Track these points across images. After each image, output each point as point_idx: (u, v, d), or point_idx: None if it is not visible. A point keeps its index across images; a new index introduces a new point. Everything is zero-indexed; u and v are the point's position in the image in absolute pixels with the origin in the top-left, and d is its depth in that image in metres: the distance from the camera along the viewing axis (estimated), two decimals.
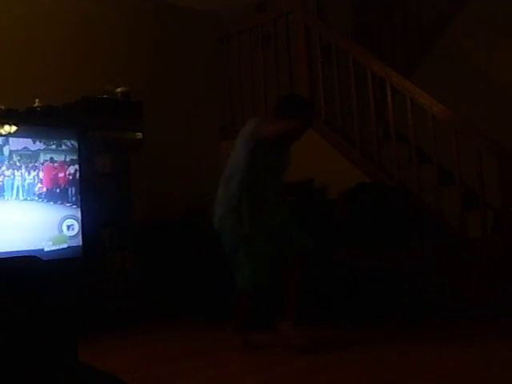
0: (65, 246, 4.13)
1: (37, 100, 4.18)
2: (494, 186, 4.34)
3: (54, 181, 4.12)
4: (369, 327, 4.08)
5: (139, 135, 4.57)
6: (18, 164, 3.96)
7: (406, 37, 6.38)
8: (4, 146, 3.91)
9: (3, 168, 3.90)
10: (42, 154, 4.06)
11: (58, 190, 4.13)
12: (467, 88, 5.61)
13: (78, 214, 4.18)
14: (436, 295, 4.47)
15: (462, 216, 4.52)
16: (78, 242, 4.18)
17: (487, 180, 4.37)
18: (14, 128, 3.91)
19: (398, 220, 4.39)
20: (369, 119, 4.98)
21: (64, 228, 4.13)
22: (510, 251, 4.27)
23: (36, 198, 4.04)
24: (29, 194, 4.00)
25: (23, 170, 3.98)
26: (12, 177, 3.93)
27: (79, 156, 4.22)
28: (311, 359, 3.37)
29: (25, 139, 4.01)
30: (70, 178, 4.18)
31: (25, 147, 4.00)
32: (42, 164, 4.07)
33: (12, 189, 3.92)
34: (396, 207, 4.44)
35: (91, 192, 4.25)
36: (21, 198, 3.97)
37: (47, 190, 4.08)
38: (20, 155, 3.98)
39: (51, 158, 4.11)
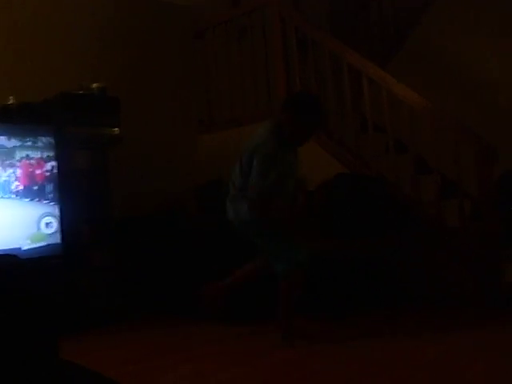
0: (43, 243, 4.09)
1: (11, 97, 4.13)
2: (472, 174, 4.38)
3: (31, 178, 4.08)
4: (350, 318, 4.11)
5: (116, 131, 4.54)
6: None
7: (381, 28, 6.41)
8: None
9: None
10: (17, 151, 4.02)
11: (35, 188, 4.09)
12: (442, 79, 5.67)
13: (56, 212, 4.14)
14: (415, 284, 4.50)
15: (439, 205, 4.56)
16: (57, 239, 4.14)
17: (464, 169, 4.41)
18: None
19: (377, 210, 4.42)
20: (345, 110, 5.00)
21: (42, 225, 4.10)
22: (488, 240, 4.32)
23: (13, 196, 3.99)
24: (5, 191, 3.95)
25: None
26: None
27: (56, 153, 4.18)
28: (293, 352, 3.39)
29: (0, 136, 3.96)
30: (48, 174, 4.14)
31: (0, 144, 3.95)
32: (19, 161, 4.03)
33: None
34: (374, 197, 4.47)
35: (69, 189, 4.22)
36: None
37: (24, 187, 4.04)
38: None
39: (27, 155, 4.07)
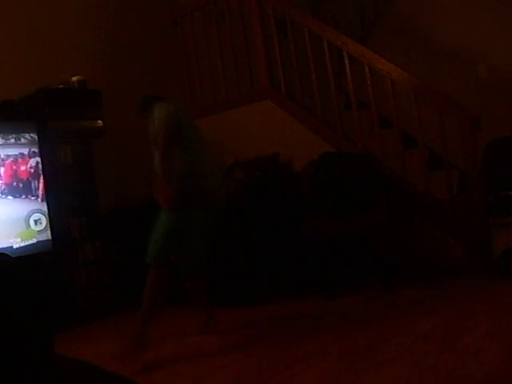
0: (34, 241, 4.08)
1: None
2: (458, 146, 4.38)
3: (17, 175, 4.05)
4: (343, 295, 4.13)
5: (99, 123, 4.52)
6: None
7: (360, 3, 6.36)
8: None
9: None
10: (1, 149, 3.99)
11: (21, 185, 4.06)
12: (421, 52, 5.67)
13: (44, 208, 4.13)
14: (406, 258, 4.51)
15: (426, 178, 4.56)
16: (47, 235, 4.14)
17: (450, 141, 4.41)
18: None
19: (365, 187, 4.42)
20: (329, 89, 4.98)
21: (31, 223, 4.08)
22: (476, 210, 4.34)
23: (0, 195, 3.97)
24: None
25: None
26: None
27: (40, 148, 4.16)
28: (284, 332, 3.42)
29: None
30: (32, 171, 4.12)
31: None
32: (3, 160, 3.99)
33: None
34: (361, 175, 4.47)
35: (55, 184, 4.20)
36: None
37: (10, 185, 4.01)
38: None
39: (10, 153, 4.03)
